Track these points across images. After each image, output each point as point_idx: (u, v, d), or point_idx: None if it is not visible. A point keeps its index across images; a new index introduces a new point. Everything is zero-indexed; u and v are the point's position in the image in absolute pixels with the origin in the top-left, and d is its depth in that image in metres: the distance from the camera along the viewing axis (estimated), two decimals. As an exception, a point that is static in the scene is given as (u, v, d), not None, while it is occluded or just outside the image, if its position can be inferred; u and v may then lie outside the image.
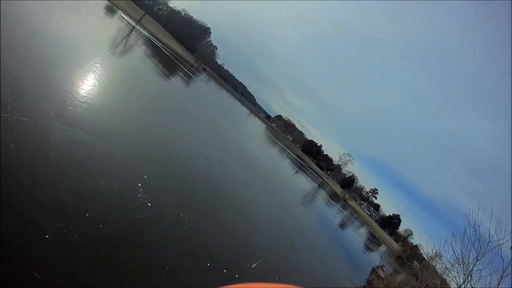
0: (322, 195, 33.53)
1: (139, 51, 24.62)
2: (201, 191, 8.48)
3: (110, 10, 38.34)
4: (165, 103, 15.53)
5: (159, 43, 52.34)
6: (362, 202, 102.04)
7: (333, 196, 49.33)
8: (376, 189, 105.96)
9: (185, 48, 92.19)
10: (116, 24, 29.91)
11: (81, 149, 5.57)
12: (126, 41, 21.89)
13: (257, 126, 53.33)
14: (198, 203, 7.46)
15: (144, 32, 50.04)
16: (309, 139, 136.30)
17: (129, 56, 18.48)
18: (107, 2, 40.89)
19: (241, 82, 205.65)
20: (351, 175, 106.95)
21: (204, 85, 48.66)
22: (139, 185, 6.00)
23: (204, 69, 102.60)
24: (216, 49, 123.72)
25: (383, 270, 18.67)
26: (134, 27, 41.08)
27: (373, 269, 18.23)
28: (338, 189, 79.71)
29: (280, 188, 18.62)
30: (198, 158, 10.72)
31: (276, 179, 19.32)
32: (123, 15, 43.66)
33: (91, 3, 28.19)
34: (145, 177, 6.41)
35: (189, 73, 47.42)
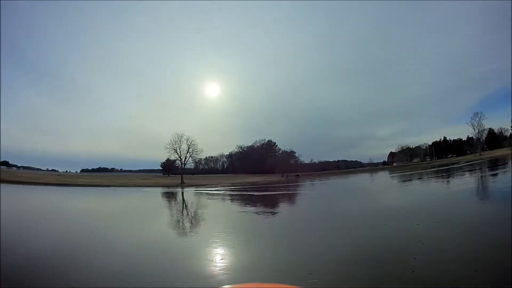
0: (488, 174, 26.12)
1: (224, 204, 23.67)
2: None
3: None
4: (306, 232, 10.14)
5: (231, 188, 40.91)
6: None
7: (497, 164, 37.71)
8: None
9: (263, 174, 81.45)
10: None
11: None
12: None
13: (385, 178, 44.78)
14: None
15: (201, 189, 41.10)
16: (430, 144, 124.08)
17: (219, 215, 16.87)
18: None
19: (338, 160, 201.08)
20: (487, 131, 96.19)
21: (310, 189, 38.77)
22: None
23: (297, 175, 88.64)
24: (295, 152, 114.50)
25: None
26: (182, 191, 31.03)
27: None
28: (496, 153, 71.33)
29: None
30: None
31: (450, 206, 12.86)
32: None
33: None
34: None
35: (285, 189, 36.11)
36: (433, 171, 44.62)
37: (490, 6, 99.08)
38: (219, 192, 36.26)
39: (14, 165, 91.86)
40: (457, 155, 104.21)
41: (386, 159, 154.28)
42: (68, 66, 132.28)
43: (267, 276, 5.79)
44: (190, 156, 59.98)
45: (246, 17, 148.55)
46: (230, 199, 26.95)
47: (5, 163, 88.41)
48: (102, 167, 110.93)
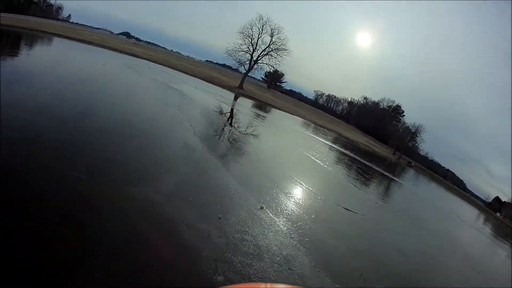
0: None
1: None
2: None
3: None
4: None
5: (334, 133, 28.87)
6: None
7: None
8: None
9: (374, 138, 64.27)
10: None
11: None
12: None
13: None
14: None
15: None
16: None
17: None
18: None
19: (448, 169, 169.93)
20: None
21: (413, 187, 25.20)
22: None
23: (410, 163, 67.85)
24: (419, 135, 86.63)
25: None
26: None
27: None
28: None
29: None
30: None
31: None
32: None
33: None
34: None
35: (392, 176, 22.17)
36: None
37: None
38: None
39: (136, 38, 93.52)
40: None
41: (490, 200, 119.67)
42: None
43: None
44: (268, 53, 36.58)
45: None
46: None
47: (126, 34, 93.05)
48: (226, 64, 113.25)
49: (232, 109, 19.24)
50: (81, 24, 75.67)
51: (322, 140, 22.84)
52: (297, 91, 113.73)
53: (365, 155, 28.33)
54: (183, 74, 29.86)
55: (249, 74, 39.32)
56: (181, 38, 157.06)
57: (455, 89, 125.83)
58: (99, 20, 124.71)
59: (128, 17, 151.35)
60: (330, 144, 23.00)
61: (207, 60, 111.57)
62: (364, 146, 38.56)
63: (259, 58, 36.85)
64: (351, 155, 21.63)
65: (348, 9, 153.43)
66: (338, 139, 30.67)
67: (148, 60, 30.77)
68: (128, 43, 50.31)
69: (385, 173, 21.66)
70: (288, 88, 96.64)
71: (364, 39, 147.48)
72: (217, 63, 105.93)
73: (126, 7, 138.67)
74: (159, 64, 30.49)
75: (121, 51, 30.42)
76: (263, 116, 22.74)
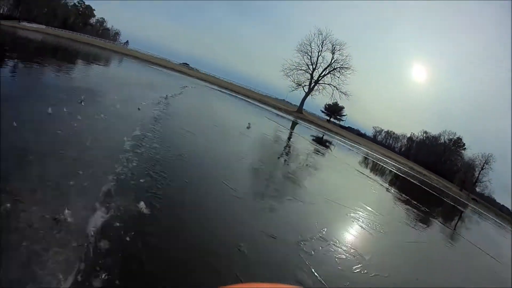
0: None
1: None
2: None
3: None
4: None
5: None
6: None
7: None
8: None
9: (435, 173, 63.24)
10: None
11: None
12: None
13: None
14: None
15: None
16: None
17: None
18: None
19: (503, 205, 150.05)
20: None
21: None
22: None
23: (475, 199, 65.19)
24: (481, 168, 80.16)
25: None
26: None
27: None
28: None
29: None
30: None
31: None
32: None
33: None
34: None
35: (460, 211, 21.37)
36: None
37: None
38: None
39: (195, 68, 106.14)
40: None
41: None
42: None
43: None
44: (330, 72, 31.66)
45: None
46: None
47: (185, 64, 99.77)
48: (285, 99, 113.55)
49: (293, 125, 18.74)
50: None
51: (406, 169, 25.15)
52: (355, 128, 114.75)
53: (441, 191, 29.90)
54: (231, 91, 27.52)
55: (306, 108, 36.58)
56: (244, 74, 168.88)
57: (498, 116, 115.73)
58: (159, 49, 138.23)
59: (187, 49, 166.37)
60: (414, 174, 25.18)
61: (267, 95, 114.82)
62: (435, 182, 39.62)
63: (320, 77, 32.80)
64: (437, 195, 23.73)
65: (402, 45, 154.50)
66: (412, 172, 32.47)
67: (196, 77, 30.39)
68: (181, 66, 55.81)
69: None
70: (347, 125, 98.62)
71: (420, 72, 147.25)
72: (276, 98, 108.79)
73: (187, 40, 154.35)
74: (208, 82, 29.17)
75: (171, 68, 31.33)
76: (330, 136, 23.23)
